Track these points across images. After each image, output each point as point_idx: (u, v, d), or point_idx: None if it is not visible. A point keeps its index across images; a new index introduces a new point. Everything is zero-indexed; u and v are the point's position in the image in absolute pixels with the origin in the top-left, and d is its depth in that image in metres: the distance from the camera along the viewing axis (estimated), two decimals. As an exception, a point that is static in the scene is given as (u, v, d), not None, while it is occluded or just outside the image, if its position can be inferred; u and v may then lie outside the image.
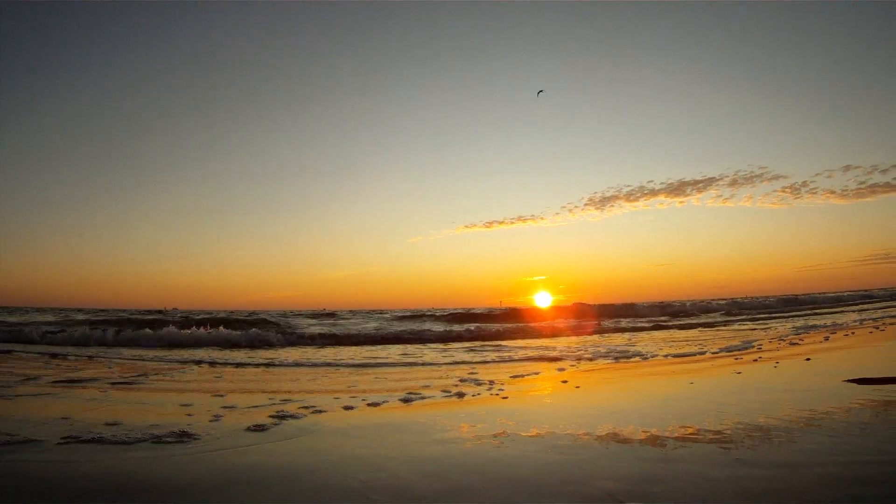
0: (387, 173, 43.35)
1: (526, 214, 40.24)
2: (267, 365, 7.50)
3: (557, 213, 39.05)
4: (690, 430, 2.79)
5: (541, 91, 19.18)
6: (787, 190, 33.04)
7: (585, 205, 37.22)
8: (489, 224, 41.20)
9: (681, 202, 35.48)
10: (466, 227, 42.46)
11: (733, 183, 33.33)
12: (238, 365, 7.55)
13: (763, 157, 44.04)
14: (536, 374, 5.72)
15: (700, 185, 33.89)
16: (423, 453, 2.52)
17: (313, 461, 2.44)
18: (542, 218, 39.36)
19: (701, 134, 38.80)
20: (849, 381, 4.03)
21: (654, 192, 34.97)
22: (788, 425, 2.85)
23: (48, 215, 41.50)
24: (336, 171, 42.57)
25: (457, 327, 15.77)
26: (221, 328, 12.79)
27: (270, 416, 3.43)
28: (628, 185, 35.82)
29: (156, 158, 40.04)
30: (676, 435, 2.71)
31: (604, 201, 36.46)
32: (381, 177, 43.61)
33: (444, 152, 42.13)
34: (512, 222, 40.38)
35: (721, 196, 34.33)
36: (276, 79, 37.90)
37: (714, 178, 33.64)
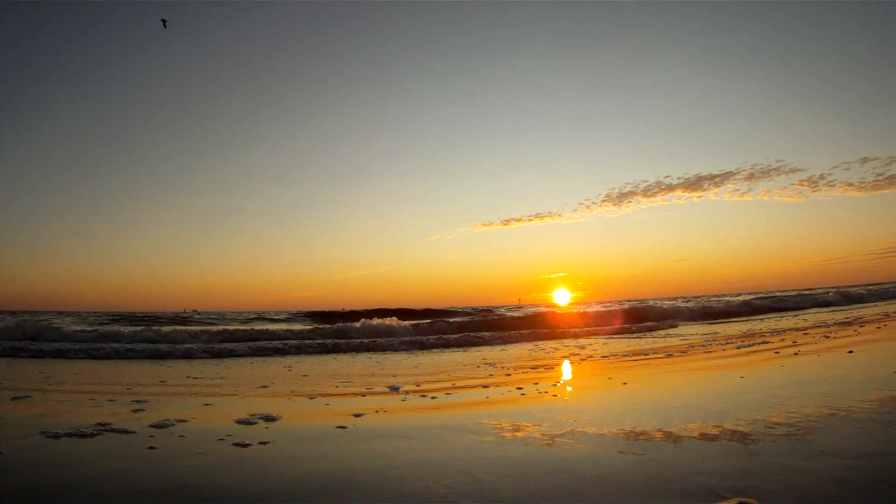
0: (403, 172, 43.46)
1: (543, 211, 40.18)
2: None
3: (575, 210, 38.98)
4: (761, 424, 2.74)
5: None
6: (804, 183, 32.87)
7: (603, 201, 37.17)
8: (507, 222, 41.18)
9: (698, 197, 35.37)
10: (484, 225, 42.49)
11: (751, 177, 33.19)
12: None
13: (780, 150, 43.70)
14: (579, 369, 5.68)
15: (717, 179, 33.76)
16: (496, 455, 2.48)
17: (382, 465, 2.41)
18: (559, 215, 39.33)
19: (717, 128, 38.62)
20: (900, 371, 3.99)
21: (671, 188, 34.89)
22: (854, 415, 2.81)
23: (64, 220, 41.78)
24: (352, 171, 42.74)
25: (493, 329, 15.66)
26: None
27: (333, 419, 3.41)
28: (645, 181, 35.74)
29: (171, 161, 40.29)
30: (749, 429, 2.66)
31: (621, 197, 36.41)
32: (398, 176, 43.74)
33: (460, 151, 42.20)
34: (530, 219, 40.35)
35: (738, 190, 34.18)
36: (292, 81, 38.05)
37: (731, 172, 33.51)
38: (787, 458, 2.19)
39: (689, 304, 21.26)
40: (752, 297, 25.22)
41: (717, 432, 2.64)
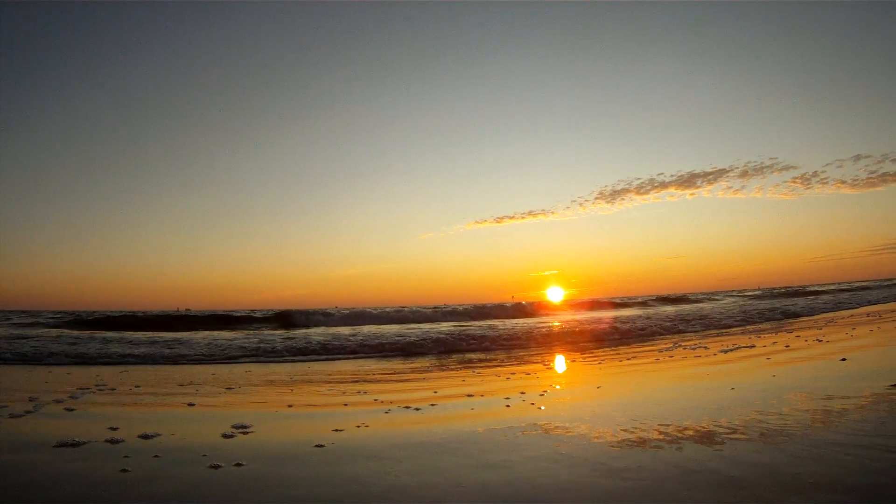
0: (396, 170, 43.37)
1: (536, 209, 40.28)
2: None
3: (568, 207, 39.05)
4: (751, 448, 2.66)
5: None
6: (797, 180, 32.98)
7: (596, 198, 37.20)
8: (500, 219, 41.17)
9: (691, 194, 35.46)
10: (477, 222, 42.52)
11: (744, 174, 33.27)
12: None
13: (773, 147, 43.90)
14: (566, 377, 5.60)
15: (710, 176, 33.81)
16: (476, 481, 2.39)
17: (355, 492, 2.31)
18: (552, 212, 39.38)
19: (710, 125, 38.63)
20: (893, 386, 3.91)
21: (664, 185, 34.93)
22: (845, 439, 2.72)
23: (58, 219, 41.61)
24: (345, 169, 42.64)
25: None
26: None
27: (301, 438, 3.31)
28: (638, 178, 35.80)
29: (165, 160, 40.13)
30: (737, 454, 2.58)
31: (614, 194, 36.43)
32: (391, 174, 43.64)
33: (453, 148, 42.12)
34: (522, 217, 40.37)
35: (731, 187, 34.26)
36: (285, 80, 37.88)
37: (724, 169, 33.56)
38: (775, 493, 2.10)
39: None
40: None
41: (704, 457, 2.55)
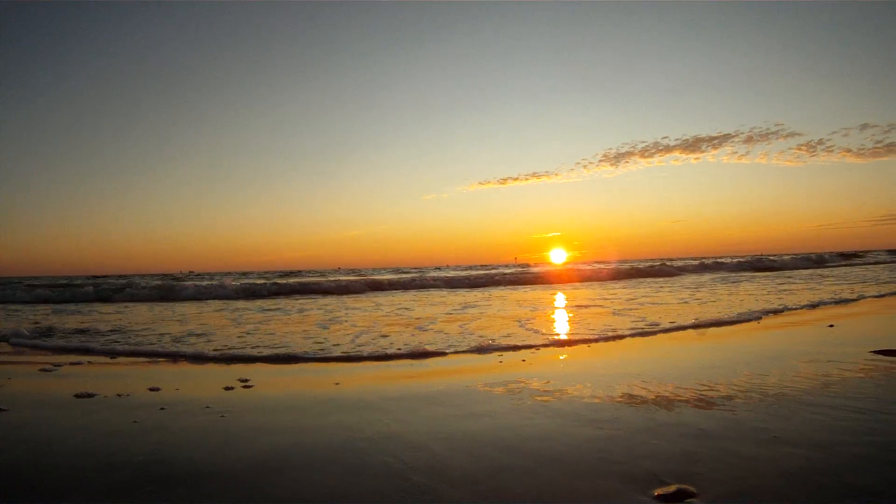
0: (400, 131, 42.95)
1: (540, 171, 40.08)
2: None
3: (572, 170, 38.83)
4: (725, 405, 2.79)
5: None
6: (802, 147, 32.55)
7: (600, 161, 36.90)
8: (504, 180, 41.00)
9: (696, 158, 35.11)
10: (481, 183, 42.36)
11: (749, 140, 32.82)
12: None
13: (779, 113, 43.04)
14: (559, 336, 5.75)
15: (715, 141, 33.38)
16: (459, 429, 2.54)
17: (346, 438, 2.46)
18: (556, 174, 39.18)
19: (716, 90, 37.86)
20: (875, 352, 4.00)
21: (669, 149, 34.54)
22: (817, 400, 2.84)
23: (65, 187, 41.86)
24: (349, 131, 42.27)
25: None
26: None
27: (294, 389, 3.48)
28: (643, 142, 35.39)
29: (168, 123, 39.87)
30: (708, 409, 2.71)
31: (618, 157, 36.10)
32: (395, 135, 43.24)
33: (458, 109, 41.55)
34: (526, 178, 40.18)
35: (736, 153, 33.86)
36: (287, 41, 37.04)
37: (729, 134, 33.09)
38: (739, 444, 2.23)
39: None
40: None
41: (679, 411, 2.69)
